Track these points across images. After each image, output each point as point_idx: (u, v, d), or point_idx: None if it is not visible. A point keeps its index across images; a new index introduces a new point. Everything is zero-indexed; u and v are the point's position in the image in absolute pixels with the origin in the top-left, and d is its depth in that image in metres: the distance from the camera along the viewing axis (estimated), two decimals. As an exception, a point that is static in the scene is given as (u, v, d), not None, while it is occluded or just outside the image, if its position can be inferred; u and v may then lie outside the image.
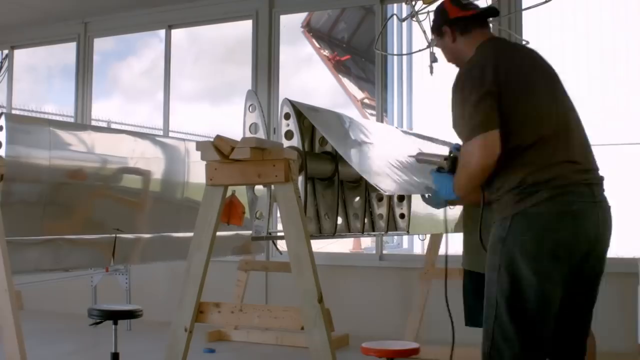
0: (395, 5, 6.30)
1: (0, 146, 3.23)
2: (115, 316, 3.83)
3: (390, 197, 3.79)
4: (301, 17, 11.61)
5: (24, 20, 7.14)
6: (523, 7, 5.32)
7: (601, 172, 2.51)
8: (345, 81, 12.80)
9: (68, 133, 3.76)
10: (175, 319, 3.09)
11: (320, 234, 3.16)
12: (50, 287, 5.61)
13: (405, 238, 10.19)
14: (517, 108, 2.32)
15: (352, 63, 13.07)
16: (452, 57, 2.66)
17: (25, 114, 8.11)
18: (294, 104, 3.02)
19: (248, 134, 3.19)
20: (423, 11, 3.90)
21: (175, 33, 6.86)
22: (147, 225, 4.20)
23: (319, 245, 6.07)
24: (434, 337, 4.79)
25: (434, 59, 3.90)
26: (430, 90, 10.13)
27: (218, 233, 3.04)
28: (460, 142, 2.41)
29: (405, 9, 6.12)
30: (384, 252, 6.05)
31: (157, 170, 4.20)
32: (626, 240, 6.92)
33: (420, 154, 2.91)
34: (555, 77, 2.52)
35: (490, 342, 2.34)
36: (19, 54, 7.73)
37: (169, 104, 6.77)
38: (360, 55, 12.92)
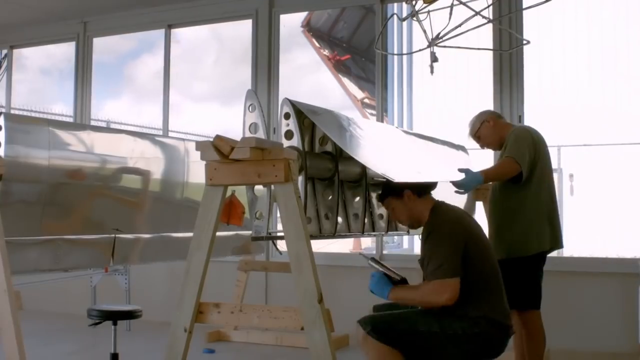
0: (395, 4, 6.29)
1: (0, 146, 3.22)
2: (114, 316, 3.82)
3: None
4: (301, 16, 11.61)
5: (23, 20, 7.13)
6: (523, 6, 5.31)
7: None
8: (345, 81, 12.80)
9: (67, 133, 3.74)
10: (174, 319, 3.08)
11: (320, 234, 3.16)
12: (50, 287, 5.60)
13: (406, 238, 10.18)
14: None
15: (352, 63, 13.07)
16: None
17: (33, 114, 8.09)
18: (294, 104, 3.01)
19: (248, 134, 3.18)
20: (423, 11, 3.88)
21: (198, 30, 6.78)
22: (146, 225, 4.19)
23: (319, 245, 6.06)
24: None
25: (434, 59, 3.89)
26: (431, 90, 10.13)
27: (218, 233, 3.03)
28: None
29: (405, 9, 6.11)
30: (384, 252, 6.04)
31: (157, 170, 4.19)
32: (627, 240, 6.93)
33: (374, 260, 3.19)
34: None
35: None
36: (32, 54, 7.71)
37: (168, 103, 6.76)
38: (360, 55, 12.92)
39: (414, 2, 3.84)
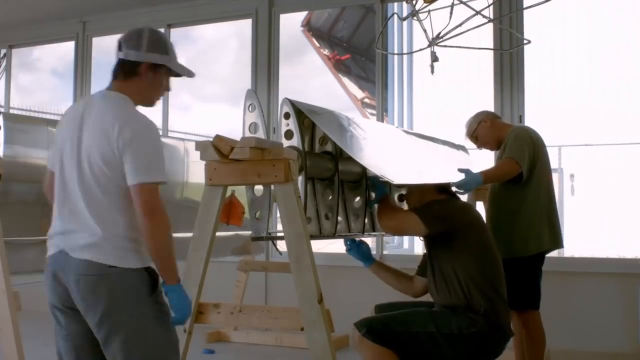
0: (395, 4, 6.28)
1: (-2, 146, 3.22)
2: (114, 317, 3.79)
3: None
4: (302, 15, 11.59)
5: (22, 19, 7.11)
6: (524, 5, 5.30)
7: None
8: (346, 80, 12.79)
9: (66, 132, 3.73)
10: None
11: (320, 234, 3.14)
12: (49, 287, 5.58)
13: (406, 238, 10.18)
14: None
15: (352, 62, 13.06)
16: None
17: (46, 116, 8.06)
18: (293, 104, 3.00)
19: (248, 134, 3.17)
20: (424, 10, 3.87)
21: (222, 27, 6.72)
22: (146, 225, 4.17)
23: (319, 246, 6.04)
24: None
25: (434, 58, 3.89)
26: (431, 89, 10.12)
27: (217, 233, 3.01)
28: None
29: (405, 8, 6.10)
30: (385, 252, 6.03)
31: (156, 170, 4.18)
32: (628, 240, 6.92)
33: None
34: None
35: None
36: (46, 54, 7.69)
37: (168, 103, 6.75)
38: (360, 55, 12.91)
39: (414, 2, 3.83)
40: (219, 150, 2.74)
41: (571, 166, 7.99)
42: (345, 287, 5.62)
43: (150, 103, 2.37)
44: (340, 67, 12.80)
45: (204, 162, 2.86)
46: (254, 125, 3.18)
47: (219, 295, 4.08)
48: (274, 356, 5.07)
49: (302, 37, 12.35)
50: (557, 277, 4.84)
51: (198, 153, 2.82)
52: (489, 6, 3.83)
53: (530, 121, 5.19)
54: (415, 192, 3.26)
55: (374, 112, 7.89)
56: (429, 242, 3.15)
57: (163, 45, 2.30)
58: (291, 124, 3.03)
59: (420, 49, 4.07)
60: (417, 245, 9.52)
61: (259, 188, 3.18)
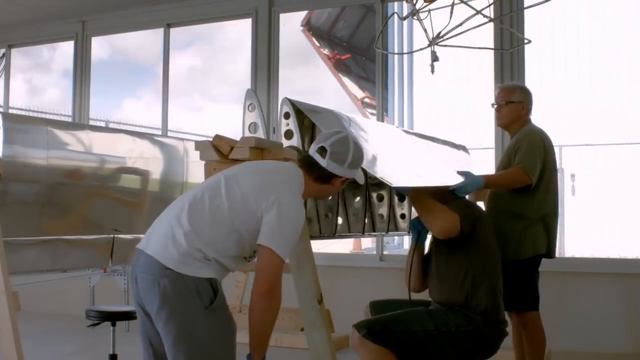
0: (395, 3, 6.27)
1: (-2, 146, 3.20)
2: (113, 317, 3.80)
3: (390, 198, 3.76)
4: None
5: (22, 19, 7.10)
6: (525, 5, 5.29)
7: None
8: (346, 80, 12.78)
9: (66, 132, 3.72)
10: (173, 320, 3.05)
11: (320, 234, 3.14)
12: (48, 288, 5.58)
13: (406, 238, 10.15)
14: None
15: (353, 62, 13.04)
16: None
17: (54, 117, 8.05)
18: (293, 103, 2.99)
19: (247, 134, 3.17)
20: (424, 9, 3.85)
21: (240, 25, 6.67)
22: (145, 225, 4.13)
23: (319, 246, 6.03)
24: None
25: (435, 58, 3.86)
26: (431, 89, 10.11)
27: (217, 234, 3.00)
28: None
29: (406, 8, 6.09)
30: (385, 252, 6.02)
31: (156, 170, 4.17)
32: (629, 240, 6.91)
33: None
34: None
35: None
36: (58, 55, 7.67)
37: (167, 103, 6.73)
38: (360, 54, 12.89)
39: (414, 1, 3.81)
40: (218, 150, 2.74)
41: (572, 166, 7.97)
42: (345, 287, 5.61)
43: (319, 199, 2.76)
44: (340, 66, 12.78)
45: (203, 162, 2.85)
46: (253, 125, 3.17)
47: (219, 296, 4.07)
48: (273, 357, 5.03)
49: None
50: (558, 278, 4.83)
51: (198, 153, 2.81)
52: (489, 5, 3.81)
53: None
54: (436, 194, 3.22)
55: (374, 112, 7.87)
56: (437, 240, 3.13)
57: (360, 162, 2.45)
58: (291, 124, 3.03)
59: (421, 49, 4.05)
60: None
61: (258, 188, 3.17)
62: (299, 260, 2.76)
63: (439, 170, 3.81)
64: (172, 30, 6.77)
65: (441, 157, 4.26)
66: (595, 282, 5.03)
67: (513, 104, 3.76)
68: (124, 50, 7.15)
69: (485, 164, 5.21)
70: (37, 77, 9.38)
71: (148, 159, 4.11)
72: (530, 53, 5.56)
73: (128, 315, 3.91)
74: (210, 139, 2.78)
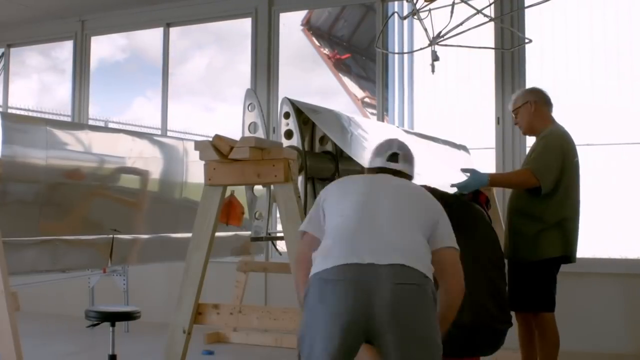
0: (396, 2, 6.25)
1: (-3, 146, 3.19)
2: (112, 318, 3.79)
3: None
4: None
5: (21, 18, 7.09)
6: (525, 4, 5.29)
7: None
8: (346, 80, 12.77)
9: (65, 132, 3.72)
10: (173, 320, 3.05)
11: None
12: (48, 288, 5.57)
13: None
14: None
15: (353, 61, 13.03)
16: None
17: (61, 118, 8.04)
18: (293, 103, 2.98)
19: (247, 134, 3.16)
20: (424, 9, 3.85)
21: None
22: (145, 225, 4.16)
23: (319, 246, 6.02)
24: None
25: (435, 58, 3.86)
26: (432, 89, 10.10)
27: (217, 233, 3.00)
28: None
29: (406, 7, 6.08)
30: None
31: (155, 170, 4.16)
32: (630, 241, 6.89)
33: None
34: None
35: None
36: (61, 54, 7.65)
37: (167, 103, 6.73)
38: (360, 54, 12.88)
39: (414, 0, 3.80)
40: (218, 150, 2.73)
41: (572, 166, 7.96)
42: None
43: None
44: (340, 66, 12.76)
45: (203, 162, 2.84)
46: (253, 125, 3.16)
47: (219, 296, 4.06)
48: (273, 357, 5.05)
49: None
50: (559, 278, 4.80)
51: (197, 153, 2.80)
52: (490, 5, 3.80)
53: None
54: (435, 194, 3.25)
55: (374, 111, 7.86)
56: None
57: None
58: (291, 124, 3.02)
59: (421, 48, 4.04)
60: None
61: (258, 188, 3.17)
62: (299, 261, 2.75)
63: (441, 168, 3.81)
64: (193, 29, 6.73)
65: (441, 156, 4.26)
66: (595, 283, 5.02)
67: (520, 108, 3.78)
68: (139, 50, 7.12)
69: (485, 164, 5.19)
70: (48, 77, 9.36)
71: (147, 159, 4.10)
72: (531, 52, 5.55)
73: (127, 316, 3.91)
74: (210, 139, 2.77)
